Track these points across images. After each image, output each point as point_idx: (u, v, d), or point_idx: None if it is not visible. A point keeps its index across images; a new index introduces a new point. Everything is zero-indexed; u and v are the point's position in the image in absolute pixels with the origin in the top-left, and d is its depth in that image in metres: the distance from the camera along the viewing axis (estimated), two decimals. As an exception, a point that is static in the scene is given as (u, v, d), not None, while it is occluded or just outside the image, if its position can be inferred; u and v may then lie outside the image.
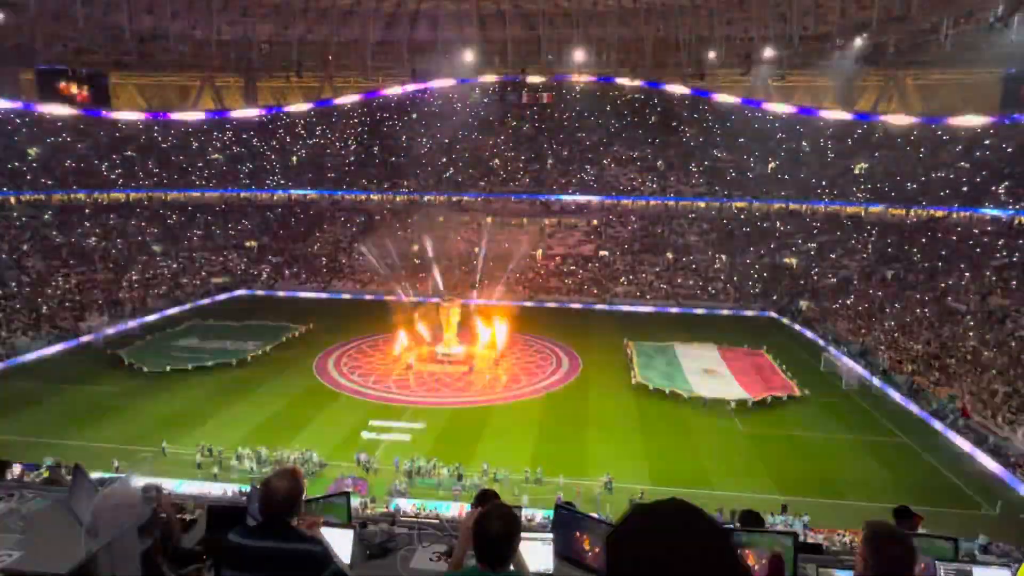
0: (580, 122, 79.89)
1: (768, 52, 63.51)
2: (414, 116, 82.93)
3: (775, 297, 57.75)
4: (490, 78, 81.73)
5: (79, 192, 65.36)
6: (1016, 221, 54.34)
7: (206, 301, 57.37)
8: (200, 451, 27.37)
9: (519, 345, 44.99)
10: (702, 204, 70.71)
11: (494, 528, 2.77)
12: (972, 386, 35.05)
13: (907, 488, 25.66)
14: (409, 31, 71.70)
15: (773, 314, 55.57)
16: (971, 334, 41.21)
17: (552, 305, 58.69)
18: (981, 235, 55.03)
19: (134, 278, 56.62)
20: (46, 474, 21.31)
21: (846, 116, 72.59)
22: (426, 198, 74.26)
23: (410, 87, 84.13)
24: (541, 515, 19.72)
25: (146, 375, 37.46)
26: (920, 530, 5.80)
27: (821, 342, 46.88)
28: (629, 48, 70.95)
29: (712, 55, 66.43)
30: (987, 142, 62.69)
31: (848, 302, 52.50)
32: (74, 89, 73.64)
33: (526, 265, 65.09)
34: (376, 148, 79.55)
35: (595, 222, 70.58)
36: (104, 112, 75.40)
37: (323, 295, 61.18)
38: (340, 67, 79.67)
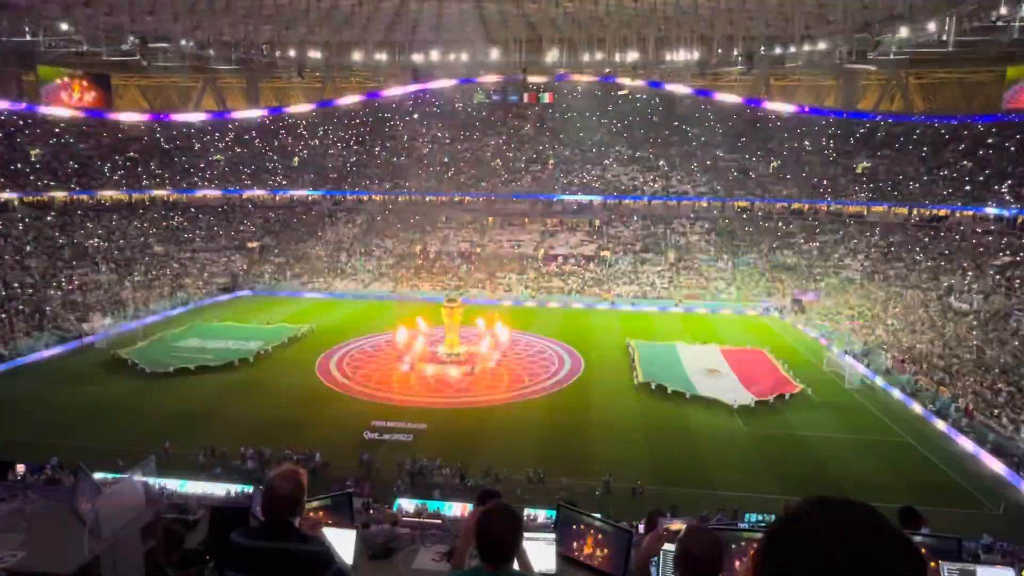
0: (582, 122, 79.90)
1: (770, 51, 63.42)
2: (415, 116, 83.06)
3: (777, 296, 57.69)
4: (491, 78, 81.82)
5: (81, 193, 65.49)
6: (1019, 220, 54.20)
7: (208, 302, 57.49)
8: (203, 451, 27.40)
9: (521, 345, 45.00)
10: (704, 203, 70.69)
11: (497, 527, 2.77)
12: (975, 385, 34.98)
13: (910, 488, 25.59)
14: (410, 31, 71.70)
15: (775, 314, 55.51)
16: (974, 333, 41.13)
17: (554, 305, 58.68)
18: (984, 234, 54.92)
19: (136, 279, 56.73)
20: (49, 474, 21.40)
21: (848, 115, 72.58)
22: (428, 198, 74.32)
23: (411, 87, 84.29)
24: (544, 515, 19.70)
25: (149, 375, 37.49)
26: (923, 530, 5.79)
27: (823, 341, 46.84)
28: (630, 47, 70.84)
29: (714, 54, 66.34)
30: (990, 141, 62.57)
31: (851, 301, 52.42)
32: (76, 91, 73.91)
33: (528, 265, 65.12)
34: (377, 148, 79.66)
35: (597, 222, 70.60)
36: (106, 113, 75.66)
37: (325, 295, 61.23)
38: (341, 68, 79.79)
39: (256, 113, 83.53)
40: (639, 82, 79.27)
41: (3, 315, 44.02)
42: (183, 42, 60.82)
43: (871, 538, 1.18)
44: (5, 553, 3.35)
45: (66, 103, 72.42)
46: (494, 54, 71.93)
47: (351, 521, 4.59)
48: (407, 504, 23.10)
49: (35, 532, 3.69)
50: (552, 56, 72.55)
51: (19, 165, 62.63)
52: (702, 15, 61.33)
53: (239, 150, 78.44)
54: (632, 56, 70.22)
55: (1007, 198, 55.61)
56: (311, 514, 4.46)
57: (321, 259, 66.82)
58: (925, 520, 6.04)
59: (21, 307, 45.96)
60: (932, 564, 4.11)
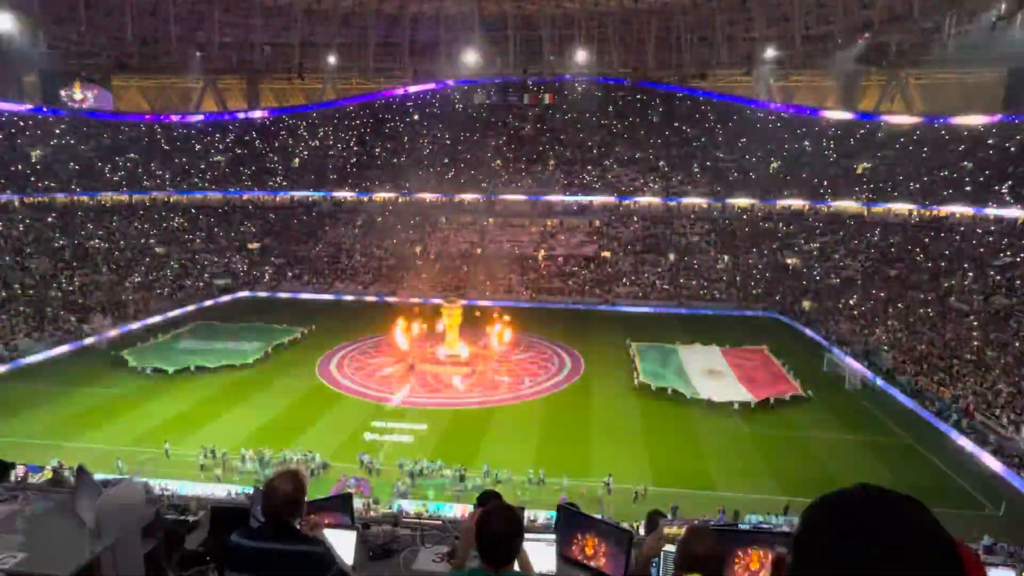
0: (582, 123, 79.86)
1: (770, 52, 63.49)
2: (416, 117, 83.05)
3: (778, 297, 57.67)
4: (492, 79, 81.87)
5: (82, 194, 65.53)
6: (1020, 220, 54.18)
7: (209, 303, 57.48)
8: (203, 453, 27.37)
9: (521, 346, 44.99)
10: (704, 204, 70.67)
11: (497, 527, 2.77)
12: (976, 386, 34.95)
13: (911, 489, 24.88)
14: (410, 32, 71.80)
15: (776, 314, 55.50)
16: (975, 334, 41.10)
17: (554, 306, 58.68)
18: (984, 235, 54.88)
19: (137, 280, 56.75)
20: (49, 476, 21.38)
21: (848, 116, 72.61)
22: (428, 199, 74.31)
23: (412, 88, 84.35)
24: (544, 516, 19.69)
25: (149, 377, 37.52)
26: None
27: (824, 342, 46.80)
28: (631, 48, 70.95)
29: (714, 55, 66.45)
30: (990, 141, 62.53)
31: (851, 302, 52.40)
32: (77, 92, 73.97)
33: (528, 266, 65.12)
34: (378, 149, 79.65)
35: (597, 223, 70.57)
36: (107, 114, 75.71)
37: (325, 296, 61.22)
38: (342, 68, 79.88)
39: (256, 114, 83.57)
40: (639, 82, 79.31)
41: (4, 316, 44.06)
42: (183, 43, 60.92)
43: (906, 526, 1.23)
44: (5, 554, 3.35)
45: (67, 104, 72.49)
46: (494, 55, 72.10)
47: (351, 522, 4.59)
48: (407, 505, 23.11)
49: (35, 533, 3.69)
50: (552, 56, 72.67)
51: (20, 166, 62.68)
52: (703, 15, 61.45)
53: (239, 151, 78.45)
54: (632, 57, 70.37)
55: (1007, 199, 55.58)
56: (311, 515, 4.45)
57: (321, 260, 66.84)
58: None
59: (22, 308, 45.99)
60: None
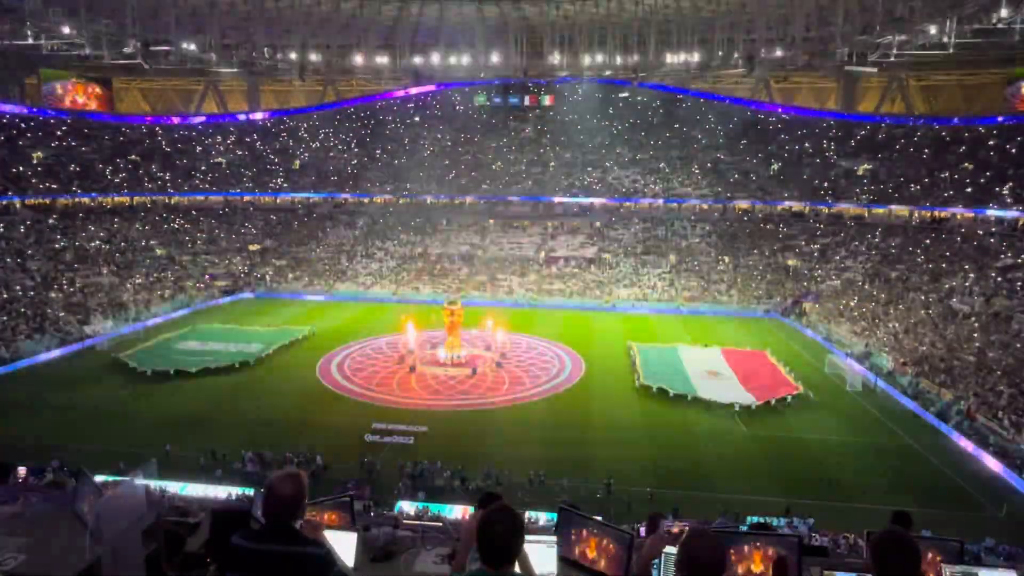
0: (582, 124, 79.95)
1: (770, 53, 63.44)
2: (416, 119, 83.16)
3: (778, 299, 57.65)
4: (492, 81, 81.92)
5: (83, 196, 65.58)
6: (1020, 222, 54.17)
7: (209, 304, 57.51)
8: (204, 454, 27.36)
9: (522, 348, 44.97)
10: (705, 206, 70.70)
11: (498, 529, 2.77)
12: (977, 388, 34.91)
13: (912, 490, 25.55)
14: (412, 34, 71.81)
15: (776, 316, 55.47)
16: (976, 335, 41.06)
17: (555, 307, 58.66)
18: (985, 236, 54.86)
19: (138, 281, 56.78)
20: (50, 477, 21.37)
21: (849, 117, 72.67)
22: (429, 201, 74.38)
23: (412, 90, 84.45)
24: (544, 517, 19.67)
25: (149, 378, 37.50)
26: (926, 532, 5.79)
27: (824, 344, 46.78)
28: (631, 50, 70.87)
29: (714, 57, 66.39)
30: (991, 143, 62.55)
31: (852, 304, 52.39)
32: (79, 94, 74.13)
33: (529, 268, 65.11)
34: (379, 151, 79.75)
35: (598, 224, 70.60)
36: (108, 116, 75.83)
37: (326, 298, 61.24)
38: (343, 70, 79.87)
39: (257, 116, 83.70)
40: (640, 84, 79.34)
41: (5, 317, 44.08)
42: (184, 45, 60.92)
43: None
44: (7, 556, 3.36)
45: (68, 106, 72.63)
46: (495, 57, 72.03)
47: (352, 524, 4.59)
48: (408, 506, 23.09)
49: (36, 535, 3.69)
50: (553, 59, 72.63)
51: (21, 168, 62.74)
52: (703, 18, 61.40)
53: (240, 153, 78.55)
54: (633, 59, 70.27)
55: (1008, 200, 55.57)
56: (314, 516, 4.46)
57: (322, 261, 66.87)
58: (912, 524, 6.06)
59: (23, 309, 46.01)
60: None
